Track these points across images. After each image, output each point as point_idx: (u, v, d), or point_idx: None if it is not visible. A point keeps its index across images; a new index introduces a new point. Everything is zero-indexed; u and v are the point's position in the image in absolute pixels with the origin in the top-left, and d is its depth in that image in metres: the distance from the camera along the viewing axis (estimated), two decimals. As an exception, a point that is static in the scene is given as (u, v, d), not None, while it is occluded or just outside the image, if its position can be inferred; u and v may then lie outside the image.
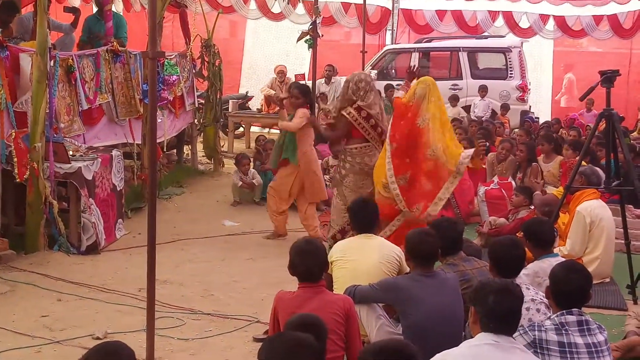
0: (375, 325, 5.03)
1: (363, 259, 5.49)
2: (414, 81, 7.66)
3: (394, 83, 16.43)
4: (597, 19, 19.75)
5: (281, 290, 4.66)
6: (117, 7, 16.41)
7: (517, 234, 7.48)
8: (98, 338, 5.54)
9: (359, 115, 7.55)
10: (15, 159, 7.31)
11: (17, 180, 7.41)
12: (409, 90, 7.48)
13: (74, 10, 11.36)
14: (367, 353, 3.07)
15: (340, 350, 4.25)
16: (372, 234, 5.75)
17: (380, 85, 15.89)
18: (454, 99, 16.05)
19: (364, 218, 5.79)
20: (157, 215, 5.19)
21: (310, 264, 4.47)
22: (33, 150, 7.42)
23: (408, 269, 5.25)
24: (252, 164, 11.21)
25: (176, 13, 12.66)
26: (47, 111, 7.63)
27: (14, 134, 7.38)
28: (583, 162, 7.74)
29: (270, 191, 8.72)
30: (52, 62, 7.75)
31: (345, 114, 7.58)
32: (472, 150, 7.74)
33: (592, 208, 7.29)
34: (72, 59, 8.47)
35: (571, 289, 4.13)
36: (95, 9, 11.23)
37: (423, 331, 4.61)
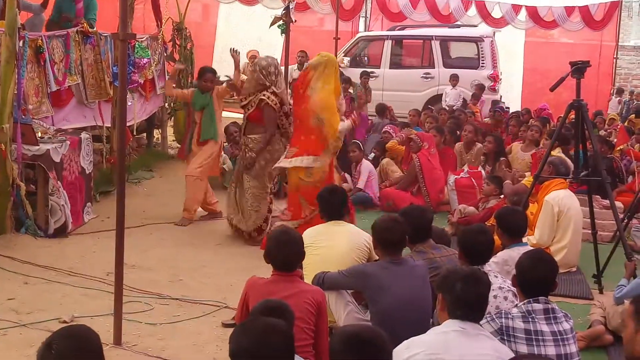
0: (344, 312, 5.05)
1: (333, 246, 5.51)
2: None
3: (367, 70, 16.46)
4: (569, 10, 19.92)
5: (254, 275, 4.66)
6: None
7: (486, 223, 7.56)
8: (65, 322, 5.50)
9: (277, 101, 7.75)
10: (-15, 140, 7.21)
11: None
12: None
13: (45, -9, 11.20)
14: (336, 337, 3.08)
15: (309, 339, 4.25)
16: (341, 221, 5.75)
17: (354, 72, 15.91)
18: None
19: (333, 205, 5.79)
20: (126, 199, 5.17)
21: (287, 254, 4.48)
22: (1, 131, 7.32)
23: (377, 257, 5.26)
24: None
25: (148, -4, 12.54)
26: (16, 92, 7.51)
27: (-20, 114, 7.28)
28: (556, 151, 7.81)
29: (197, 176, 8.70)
30: (21, 42, 7.63)
31: (266, 99, 7.69)
32: (348, 122, 7.70)
33: (560, 198, 7.37)
34: (42, 40, 8.35)
35: (537, 277, 4.17)
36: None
37: (391, 318, 4.63)
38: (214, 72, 9.05)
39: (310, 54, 16.78)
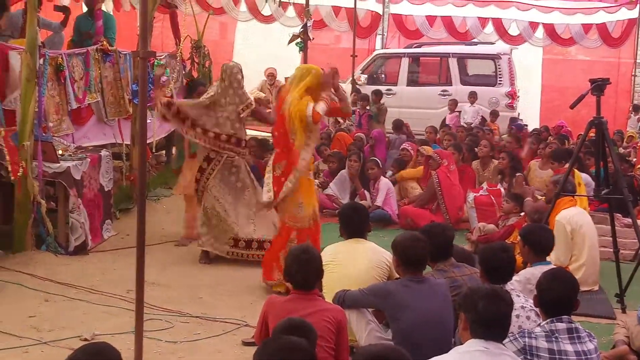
0: (365, 330, 5.02)
1: (353, 264, 5.48)
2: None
3: (383, 88, 16.47)
4: (586, 27, 19.86)
5: (273, 294, 4.64)
6: (107, 6, 16.31)
7: (506, 241, 7.51)
8: (86, 339, 5.50)
9: None
10: (8, 158, 7.24)
11: (11, 178, 7.33)
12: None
13: (64, 9, 11.29)
14: (359, 357, 3.06)
15: (330, 358, 4.24)
16: (362, 239, 5.73)
17: (370, 90, 15.92)
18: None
19: (354, 222, 5.76)
20: (145, 216, 5.17)
21: (306, 272, 4.48)
22: (22, 148, 7.36)
23: (397, 275, 5.24)
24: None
25: (166, 14, 12.61)
26: (36, 110, 7.57)
27: (2, 132, 7.32)
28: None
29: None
30: (41, 60, 7.70)
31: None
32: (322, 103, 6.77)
33: (571, 216, 7.31)
34: (62, 58, 8.43)
35: (557, 296, 4.14)
36: (85, 8, 11.16)
37: (412, 337, 4.61)
38: (204, 84, 9.02)
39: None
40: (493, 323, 3.69)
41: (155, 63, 10.62)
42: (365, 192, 10.38)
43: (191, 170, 8.28)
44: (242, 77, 7.94)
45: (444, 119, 16.23)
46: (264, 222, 7.91)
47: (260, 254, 7.67)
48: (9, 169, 7.28)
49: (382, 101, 15.13)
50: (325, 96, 6.78)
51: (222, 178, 7.81)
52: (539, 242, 5.75)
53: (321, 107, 6.66)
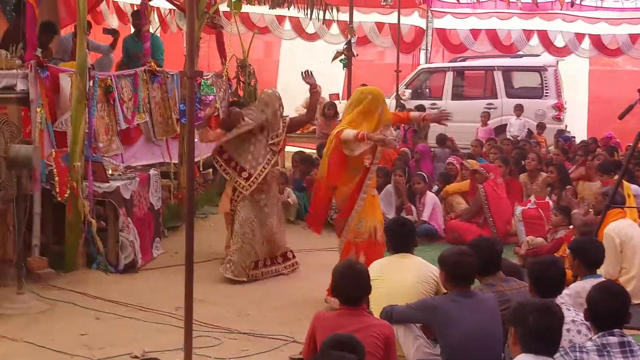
0: (413, 346, 5.01)
1: (400, 279, 5.47)
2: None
3: (428, 102, 16.43)
4: (634, 37, 19.60)
5: (321, 310, 4.66)
6: (154, 28, 16.59)
7: (555, 254, 7.43)
8: (136, 357, 5.58)
9: None
10: (57, 178, 7.40)
11: (58, 199, 7.49)
12: None
13: (113, 32, 11.54)
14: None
15: (378, 374, 4.23)
16: (409, 254, 5.72)
17: (414, 105, 15.89)
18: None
19: (401, 237, 5.75)
20: (194, 234, 5.22)
21: (353, 288, 4.48)
22: (72, 169, 7.51)
23: (444, 290, 5.22)
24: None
25: (212, 34, 12.77)
26: (86, 131, 7.72)
27: (54, 153, 7.48)
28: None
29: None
30: (91, 82, 7.86)
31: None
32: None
33: (620, 228, 7.21)
34: (111, 79, 8.58)
35: (608, 310, 4.08)
36: (132, 30, 11.37)
37: (461, 352, 4.58)
38: (240, 104, 9.10)
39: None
40: (544, 337, 3.65)
41: (202, 83, 10.77)
42: (412, 206, 10.36)
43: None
44: (281, 105, 8.00)
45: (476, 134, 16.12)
46: (283, 238, 8.17)
47: (285, 266, 8.02)
48: (58, 189, 7.43)
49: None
50: (378, 130, 6.84)
51: (251, 200, 7.87)
52: (589, 255, 5.67)
53: (346, 133, 6.69)
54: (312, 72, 8.15)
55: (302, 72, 8.10)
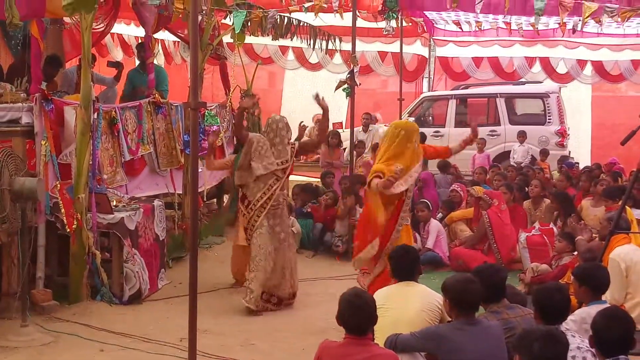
0: (418, 375, 4.99)
1: (404, 307, 5.45)
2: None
3: (431, 130, 16.46)
4: (636, 63, 19.60)
5: (326, 339, 4.64)
6: (159, 59, 16.71)
7: (560, 281, 7.40)
8: (141, 388, 5.56)
9: None
10: (63, 210, 7.42)
11: (66, 231, 7.50)
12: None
13: (117, 65, 11.62)
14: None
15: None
16: (413, 282, 5.71)
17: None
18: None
19: (406, 265, 5.74)
20: (198, 264, 5.23)
21: (359, 318, 4.45)
22: (77, 201, 7.54)
23: (449, 318, 5.20)
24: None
25: (216, 65, 12.85)
26: (91, 163, 7.76)
27: (58, 185, 7.52)
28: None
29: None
30: (95, 114, 7.91)
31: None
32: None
33: (625, 253, 7.18)
34: (115, 111, 8.64)
35: (612, 336, 4.07)
36: (137, 62, 11.45)
37: (467, 380, 4.56)
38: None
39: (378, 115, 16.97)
40: (549, 364, 3.64)
41: (206, 113, 10.82)
42: (416, 234, 10.34)
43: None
44: (288, 131, 8.08)
45: (493, 159, 16.13)
46: (294, 277, 8.13)
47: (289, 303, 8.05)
48: (65, 221, 7.45)
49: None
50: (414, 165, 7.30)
51: (267, 226, 7.86)
52: (594, 281, 5.65)
53: (374, 182, 7.05)
54: (323, 97, 8.26)
55: (314, 95, 8.19)
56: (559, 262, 8.49)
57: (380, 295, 5.61)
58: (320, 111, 8.35)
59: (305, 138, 15.58)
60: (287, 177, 8.14)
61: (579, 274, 5.80)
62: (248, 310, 7.74)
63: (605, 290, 5.75)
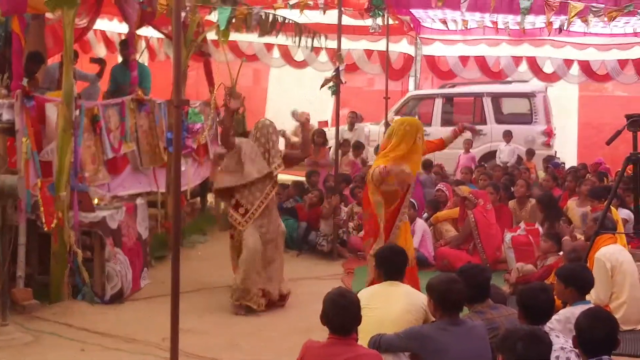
0: (402, 375, 4.94)
1: (388, 308, 5.40)
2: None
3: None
4: (622, 63, 19.66)
5: (310, 339, 4.59)
6: (143, 57, 16.60)
7: (545, 281, 7.39)
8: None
9: None
10: (42, 208, 7.33)
11: (45, 229, 7.41)
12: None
13: (100, 61, 11.54)
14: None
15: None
16: (397, 282, 5.66)
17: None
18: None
19: (393, 265, 5.68)
20: (180, 263, 5.17)
21: (343, 317, 4.41)
22: (58, 199, 7.45)
23: (433, 318, 5.16)
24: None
25: (200, 62, 12.78)
26: (72, 160, 7.67)
27: (39, 183, 7.42)
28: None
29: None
30: (77, 111, 7.82)
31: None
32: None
33: (611, 253, 7.18)
34: (98, 109, 8.56)
35: (596, 336, 4.04)
36: (120, 59, 11.37)
37: (451, 381, 4.52)
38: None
39: (362, 114, 16.92)
40: (533, 365, 3.61)
41: (190, 111, 10.75)
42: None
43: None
44: (277, 135, 8.07)
45: (479, 158, 16.12)
46: (280, 276, 8.08)
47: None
48: (44, 219, 7.36)
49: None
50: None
51: (253, 225, 7.80)
52: (578, 281, 5.63)
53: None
54: (300, 111, 8.27)
55: (292, 113, 8.24)
56: (544, 263, 8.48)
57: (364, 295, 5.55)
58: (304, 109, 8.28)
59: (293, 138, 15.57)
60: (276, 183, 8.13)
61: (561, 274, 5.78)
62: (249, 309, 7.69)
63: (589, 290, 5.74)
